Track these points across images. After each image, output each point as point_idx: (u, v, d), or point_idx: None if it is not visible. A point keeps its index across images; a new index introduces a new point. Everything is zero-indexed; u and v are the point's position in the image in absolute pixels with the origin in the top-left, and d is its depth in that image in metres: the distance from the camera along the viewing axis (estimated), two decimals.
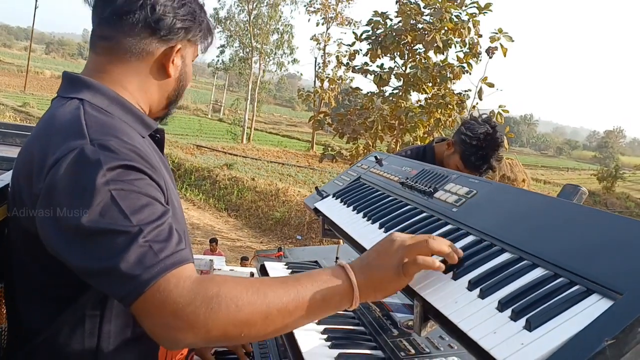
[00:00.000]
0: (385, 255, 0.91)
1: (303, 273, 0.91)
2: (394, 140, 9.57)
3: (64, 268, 0.91)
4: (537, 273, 0.83)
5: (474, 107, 9.62)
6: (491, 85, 9.13)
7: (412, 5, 9.08)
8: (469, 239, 1.00)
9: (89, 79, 1.06)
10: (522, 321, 0.74)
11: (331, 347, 1.22)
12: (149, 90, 1.11)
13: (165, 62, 1.10)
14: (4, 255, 1.09)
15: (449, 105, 9.09)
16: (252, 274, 1.86)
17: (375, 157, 1.71)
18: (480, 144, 2.18)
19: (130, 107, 1.07)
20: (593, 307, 0.72)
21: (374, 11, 9.43)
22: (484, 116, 2.32)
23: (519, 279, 0.83)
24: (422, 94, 9.45)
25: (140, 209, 0.86)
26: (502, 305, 0.79)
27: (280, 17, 32.27)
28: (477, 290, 0.84)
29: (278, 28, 32.70)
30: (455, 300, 0.85)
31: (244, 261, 8.54)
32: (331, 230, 1.52)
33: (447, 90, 9.19)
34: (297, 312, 0.86)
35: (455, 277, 0.91)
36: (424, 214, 1.17)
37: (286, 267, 1.73)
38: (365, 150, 9.43)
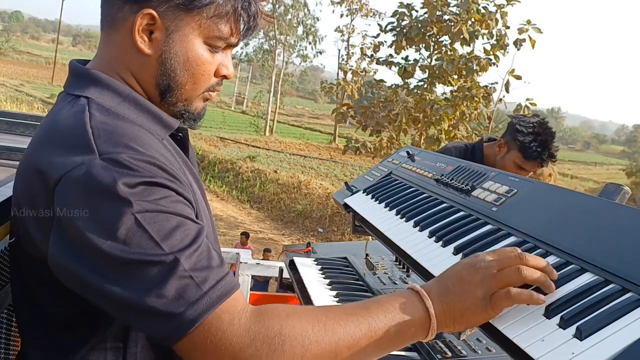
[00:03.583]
0: (469, 283, 0.80)
1: (372, 300, 0.82)
2: (419, 134, 9.48)
3: (81, 297, 0.80)
4: (586, 278, 0.79)
5: (500, 99, 9.47)
6: (518, 77, 8.97)
7: None
8: (511, 240, 0.97)
9: (96, 72, 0.91)
10: (572, 329, 0.71)
11: None
12: (135, 74, 0.92)
13: (133, 32, 0.88)
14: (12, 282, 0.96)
15: (475, 98, 8.97)
16: (281, 270, 1.85)
17: (407, 152, 1.67)
18: (537, 131, 2.19)
19: (145, 103, 0.91)
20: None
21: (400, 2, 9.33)
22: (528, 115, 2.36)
23: (567, 284, 0.79)
24: (447, 86, 9.36)
25: (172, 233, 0.75)
26: (549, 312, 0.76)
27: (307, 8, 32.07)
28: None
29: (303, 20, 32.56)
30: None
31: (266, 253, 8.59)
32: (362, 227, 1.50)
33: (473, 83, 9.07)
34: (368, 348, 0.77)
35: None
36: (462, 213, 1.14)
37: (315, 262, 1.71)
38: (389, 143, 9.37)
